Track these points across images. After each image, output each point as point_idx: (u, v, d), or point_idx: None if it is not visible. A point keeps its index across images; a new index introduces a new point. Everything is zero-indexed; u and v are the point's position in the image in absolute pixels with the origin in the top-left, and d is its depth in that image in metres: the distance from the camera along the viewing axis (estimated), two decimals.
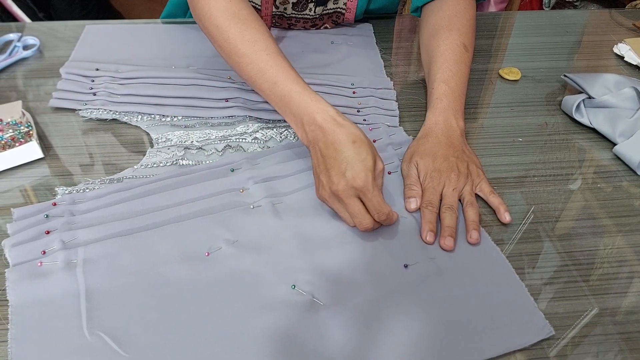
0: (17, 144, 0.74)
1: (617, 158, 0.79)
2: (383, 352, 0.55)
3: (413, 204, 0.69)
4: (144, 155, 0.78)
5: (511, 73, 0.95)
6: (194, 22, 1.06)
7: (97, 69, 0.91)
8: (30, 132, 0.77)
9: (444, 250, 0.65)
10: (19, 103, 0.82)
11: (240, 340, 0.56)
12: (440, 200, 0.69)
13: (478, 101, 0.90)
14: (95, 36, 1.02)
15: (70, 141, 0.80)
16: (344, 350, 0.55)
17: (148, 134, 0.82)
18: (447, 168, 0.71)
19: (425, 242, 0.66)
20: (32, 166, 0.75)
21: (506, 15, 1.17)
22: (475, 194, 0.71)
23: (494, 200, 0.70)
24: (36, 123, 0.82)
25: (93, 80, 0.89)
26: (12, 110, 0.81)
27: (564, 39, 1.07)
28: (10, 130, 0.77)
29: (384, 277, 0.62)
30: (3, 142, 0.75)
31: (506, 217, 0.68)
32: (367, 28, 1.08)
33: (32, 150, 0.75)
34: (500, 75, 0.96)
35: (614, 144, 0.80)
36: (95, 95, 0.87)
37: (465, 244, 0.66)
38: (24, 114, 0.80)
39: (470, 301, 0.60)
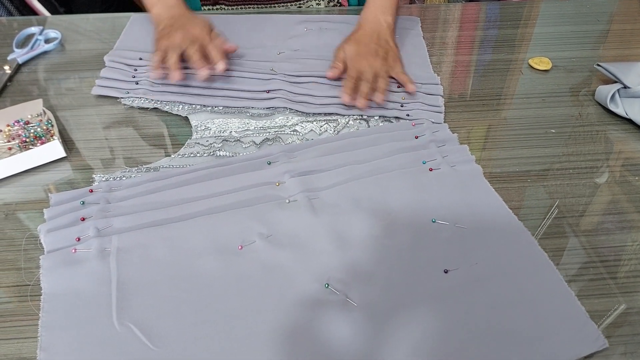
0: (38, 143, 0.73)
1: None
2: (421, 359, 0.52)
3: (332, 72, 0.87)
4: (166, 150, 0.77)
5: (542, 63, 0.93)
6: (235, 13, 1.07)
7: (141, 59, 0.92)
8: (52, 131, 0.76)
9: (358, 108, 0.81)
10: (40, 101, 0.81)
11: (271, 336, 0.54)
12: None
13: (508, 92, 0.88)
14: (139, 26, 1.03)
15: (93, 135, 0.79)
16: (377, 354, 0.53)
17: (170, 128, 0.81)
18: (367, 52, 0.88)
19: (343, 103, 0.82)
20: (55, 164, 0.75)
21: (531, 4, 1.14)
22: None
23: (403, 77, 0.86)
24: (57, 119, 0.81)
25: (136, 70, 0.90)
26: (33, 109, 0.80)
27: (594, 28, 1.04)
28: (32, 129, 0.76)
29: (422, 281, 0.59)
30: (27, 140, 0.74)
31: (410, 87, 0.84)
32: (415, 21, 1.06)
33: (54, 149, 0.74)
34: (530, 65, 0.93)
35: None
36: (137, 84, 0.87)
37: (509, 250, 0.62)
38: (44, 112, 0.79)
39: (516, 310, 0.56)
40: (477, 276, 0.59)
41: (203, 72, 0.83)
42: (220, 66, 0.83)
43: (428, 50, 0.98)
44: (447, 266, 0.60)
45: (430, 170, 0.72)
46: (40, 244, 0.63)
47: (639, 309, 0.57)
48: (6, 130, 0.76)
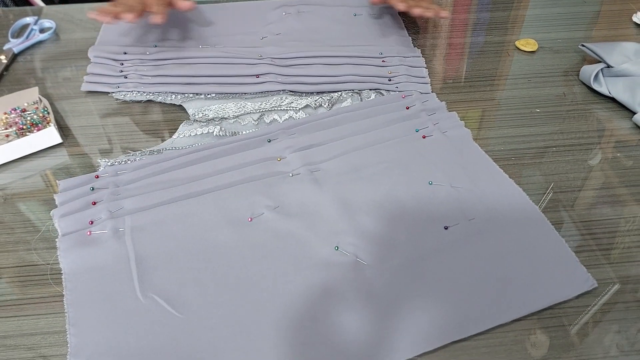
0: (35, 130, 0.75)
1: (637, 127, 0.78)
2: (428, 308, 0.56)
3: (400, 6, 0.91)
4: (163, 136, 0.79)
5: (528, 44, 0.94)
6: (217, 1, 1.07)
7: (125, 53, 0.92)
8: (48, 118, 0.77)
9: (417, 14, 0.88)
10: (36, 89, 0.83)
11: (288, 298, 0.57)
12: None
13: (495, 73, 0.89)
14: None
15: (89, 123, 0.81)
16: (389, 307, 0.56)
17: (166, 114, 0.83)
18: None
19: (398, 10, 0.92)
20: (52, 151, 0.76)
21: None
22: None
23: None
24: (53, 107, 0.83)
25: (122, 64, 0.90)
26: (29, 97, 0.82)
27: (582, 9, 1.06)
28: (28, 117, 0.78)
29: (425, 237, 0.63)
30: (23, 127, 0.76)
31: (443, 13, 0.90)
32: None
33: (50, 135, 0.76)
34: (516, 47, 0.95)
35: (634, 113, 0.79)
36: (126, 77, 0.88)
37: (502, 205, 0.66)
38: (40, 100, 0.81)
39: (511, 258, 0.61)
40: (475, 230, 0.63)
41: (157, 19, 0.82)
42: (186, 5, 0.86)
43: (420, 34, 0.99)
44: (446, 223, 0.64)
45: (424, 137, 0.76)
46: (52, 228, 0.65)
47: (630, 280, 0.59)
48: (3, 118, 0.78)
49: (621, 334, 0.55)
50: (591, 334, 0.55)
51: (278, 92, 0.85)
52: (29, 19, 1.01)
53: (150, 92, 0.85)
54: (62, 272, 0.60)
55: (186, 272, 0.60)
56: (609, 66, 0.83)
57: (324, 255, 0.61)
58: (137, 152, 0.75)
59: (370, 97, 0.84)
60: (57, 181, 0.70)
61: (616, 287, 0.59)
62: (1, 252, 0.63)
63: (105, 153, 0.76)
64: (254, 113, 0.81)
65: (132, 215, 0.65)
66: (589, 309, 0.57)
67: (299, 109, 0.82)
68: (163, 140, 0.77)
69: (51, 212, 0.66)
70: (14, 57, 0.94)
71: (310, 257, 0.61)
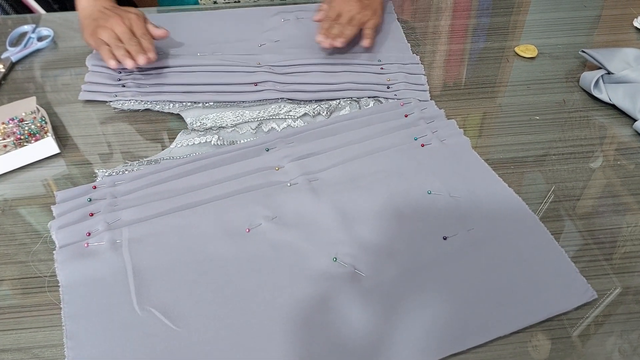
0: (33, 140, 0.75)
1: (638, 134, 0.78)
2: (426, 320, 0.56)
3: (318, 15, 0.94)
4: (162, 144, 0.79)
5: (527, 50, 0.94)
6: (212, 9, 1.06)
7: None
8: (46, 128, 0.77)
9: (326, 47, 0.88)
10: (33, 99, 0.83)
11: (286, 310, 0.57)
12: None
13: (494, 80, 0.89)
14: None
15: (87, 132, 0.81)
16: (387, 319, 0.56)
17: (165, 122, 0.82)
18: (349, 1, 0.92)
19: (317, 41, 0.88)
20: (50, 161, 0.76)
21: None
22: None
23: (368, 32, 0.91)
24: (52, 116, 0.83)
25: (120, 72, 0.90)
26: (27, 106, 0.82)
27: (582, 14, 1.05)
28: (26, 127, 0.78)
29: (423, 248, 0.63)
30: (21, 137, 0.76)
31: (365, 42, 0.91)
32: (388, 5, 1.08)
33: (48, 145, 0.75)
34: (516, 53, 0.94)
35: (635, 120, 0.79)
36: (124, 86, 0.87)
37: (501, 215, 0.66)
38: (38, 110, 0.81)
39: (511, 269, 0.60)
40: (473, 241, 0.63)
41: (130, 63, 0.82)
42: (151, 56, 0.83)
43: (420, 39, 0.99)
44: (445, 233, 0.64)
45: (422, 145, 0.75)
46: (51, 239, 0.64)
47: (633, 289, 0.59)
48: (1, 128, 0.78)
49: (624, 344, 0.55)
50: (593, 345, 0.55)
51: (276, 100, 0.85)
52: (26, 27, 1.01)
53: (148, 101, 0.85)
54: (59, 284, 0.60)
55: (183, 285, 0.60)
56: (609, 72, 0.82)
57: (322, 266, 0.61)
58: (135, 162, 0.74)
59: (368, 104, 0.84)
60: (54, 192, 0.70)
61: (619, 297, 0.58)
62: None
63: (103, 162, 0.75)
64: (252, 122, 0.81)
65: (130, 226, 0.65)
66: (590, 320, 0.57)
67: (297, 117, 0.81)
68: (161, 149, 0.77)
69: (49, 223, 0.66)
70: (11, 66, 0.94)
71: (308, 269, 0.61)
